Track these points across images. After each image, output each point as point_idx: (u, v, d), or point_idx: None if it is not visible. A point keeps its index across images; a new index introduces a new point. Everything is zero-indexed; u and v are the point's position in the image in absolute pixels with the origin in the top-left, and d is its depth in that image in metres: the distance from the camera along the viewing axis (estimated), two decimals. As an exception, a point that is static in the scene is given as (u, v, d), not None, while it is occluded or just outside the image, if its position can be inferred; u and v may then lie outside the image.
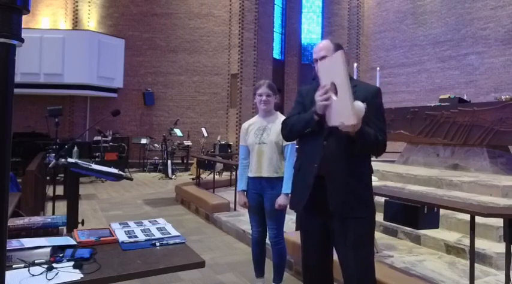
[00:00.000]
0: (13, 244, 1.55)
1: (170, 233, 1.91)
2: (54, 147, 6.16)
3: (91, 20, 11.83)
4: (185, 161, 11.63)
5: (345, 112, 1.69)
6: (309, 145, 1.98)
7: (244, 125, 3.04)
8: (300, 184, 2.00)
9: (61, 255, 1.57)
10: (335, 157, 1.86)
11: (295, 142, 2.86)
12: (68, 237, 1.79)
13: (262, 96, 2.86)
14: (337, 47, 1.98)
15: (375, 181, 5.16)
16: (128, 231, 1.90)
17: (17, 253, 1.50)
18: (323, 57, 1.95)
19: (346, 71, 1.68)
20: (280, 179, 2.80)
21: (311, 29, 15.57)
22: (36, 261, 1.47)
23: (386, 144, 1.90)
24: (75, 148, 5.95)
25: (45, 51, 10.35)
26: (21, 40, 0.76)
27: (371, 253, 1.94)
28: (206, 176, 8.47)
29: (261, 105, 2.88)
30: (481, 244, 3.39)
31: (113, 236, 1.83)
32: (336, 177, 1.86)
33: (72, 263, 1.49)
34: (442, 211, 3.02)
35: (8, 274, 1.06)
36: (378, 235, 3.98)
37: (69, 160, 2.85)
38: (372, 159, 2.07)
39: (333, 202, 1.86)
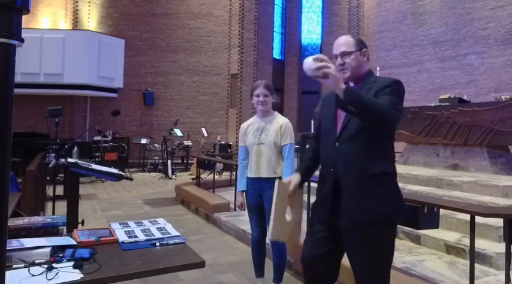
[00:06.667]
0: (13, 244, 1.55)
1: (170, 233, 1.90)
2: (54, 147, 6.17)
3: (91, 20, 11.83)
4: (185, 161, 11.63)
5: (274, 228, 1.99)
6: (324, 149, 1.93)
7: (243, 126, 3.04)
8: (323, 191, 1.90)
9: (61, 255, 1.57)
10: (348, 158, 1.77)
11: (293, 142, 2.87)
12: (68, 237, 1.78)
13: (260, 97, 2.85)
14: (359, 43, 1.87)
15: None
16: (128, 231, 1.89)
17: (17, 253, 1.50)
18: (343, 53, 1.83)
19: (276, 198, 1.99)
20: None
21: (311, 29, 15.56)
22: (36, 261, 1.46)
23: (397, 113, 1.67)
24: (75, 148, 5.96)
25: (45, 51, 10.35)
26: (21, 40, 0.76)
27: (385, 264, 1.79)
28: (206, 176, 8.47)
29: (259, 105, 2.88)
30: (481, 244, 3.39)
31: (113, 236, 1.83)
32: (349, 178, 1.77)
33: (72, 263, 1.49)
34: (442, 211, 3.02)
35: (8, 274, 1.05)
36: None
37: (69, 160, 2.85)
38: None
39: (346, 205, 1.76)
